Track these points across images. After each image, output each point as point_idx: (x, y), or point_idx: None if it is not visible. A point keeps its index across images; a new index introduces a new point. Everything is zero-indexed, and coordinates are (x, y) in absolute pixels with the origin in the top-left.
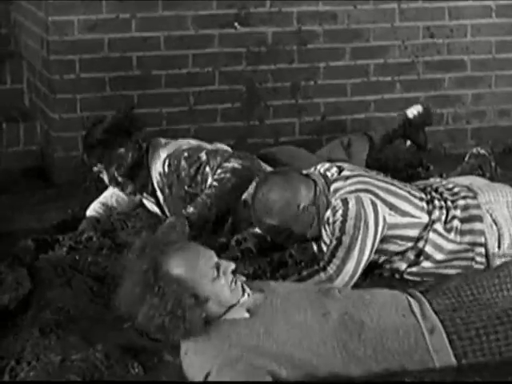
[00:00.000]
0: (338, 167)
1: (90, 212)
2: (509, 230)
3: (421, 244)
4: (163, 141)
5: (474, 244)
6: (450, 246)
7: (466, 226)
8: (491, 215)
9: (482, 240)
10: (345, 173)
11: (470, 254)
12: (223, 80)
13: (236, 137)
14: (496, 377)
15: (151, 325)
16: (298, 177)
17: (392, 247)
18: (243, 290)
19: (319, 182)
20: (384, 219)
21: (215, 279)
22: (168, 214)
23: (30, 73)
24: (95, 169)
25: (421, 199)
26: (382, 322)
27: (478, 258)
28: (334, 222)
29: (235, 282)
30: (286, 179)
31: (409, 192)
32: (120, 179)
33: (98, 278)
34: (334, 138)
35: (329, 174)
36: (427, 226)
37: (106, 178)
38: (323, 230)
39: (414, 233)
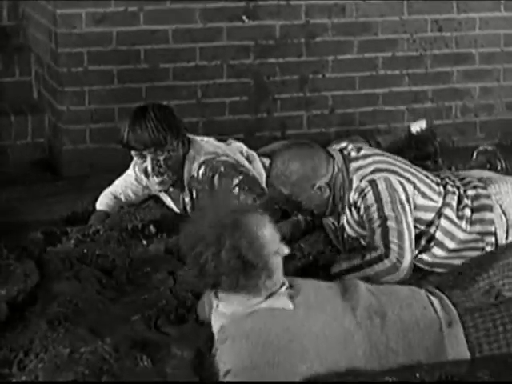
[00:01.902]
0: (355, 146)
1: (99, 205)
2: None
3: (432, 229)
4: (201, 143)
5: (485, 233)
6: (461, 235)
7: (477, 216)
8: (501, 206)
9: (492, 229)
10: (364, 152)
11: (480, 244)
12: (231, 73)
13: (244, 130)
14: (506, 371)
15: (215, 266)
16: (320, 153)
17: None
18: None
19: (338, 159)
20: (412, 197)
21: (276, 254)
22: (191, 212)
23: (39, 65)
24: (140, 153)
25: (437, 184)
26: (402, 314)
27: (488, 248)
28: (368, 208)
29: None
30: (309, 153)
31: (426, 176)
32: (163, 169)
33: (106, 270)
34: (341, 131)
35: (345, 152)
36: (439, 211)
37: (148, 164)
38: (348, 212)
39: (428, 216)
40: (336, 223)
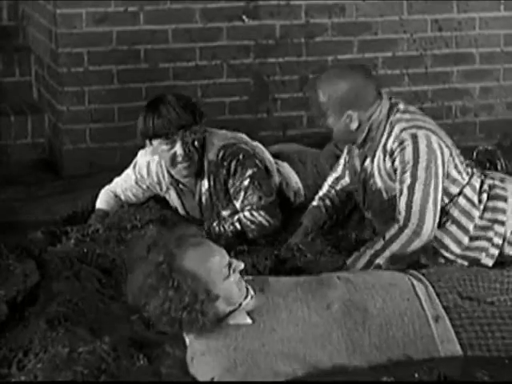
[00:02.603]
0: (404, 104)
1: (100, 204)
2: None
3: (448, 206)
4: (219, 130)
5: (495, 222)
6: (477, 219)
7: (490, 204)
8: None
9: (504, 218)
10: (412, 108)
11: (490, 234)
12: (231, 73)
13: (244, 130)
14: (503, 371)
15: (166, 317)
16: (371, 89)
17: None
18: (247, 291)
19: (384, 103)
20: (447, 163)
21: (227, 278)
22: (206, 203)
23: (38, 65)
24: (168, 138)
25: (467, 165)
26: (386, 308)
27: (496, 239)
28: (403, 162)
29: (241, 282)
30: (362, 83)
31: (459, 154)
32: (191, 153)
33: (105, 270)
34: None
35: (393, 101)
36: (462, 189)
37: (178, 148)
38: (381, 157)
39: (453, 190)
40: (359, 166)
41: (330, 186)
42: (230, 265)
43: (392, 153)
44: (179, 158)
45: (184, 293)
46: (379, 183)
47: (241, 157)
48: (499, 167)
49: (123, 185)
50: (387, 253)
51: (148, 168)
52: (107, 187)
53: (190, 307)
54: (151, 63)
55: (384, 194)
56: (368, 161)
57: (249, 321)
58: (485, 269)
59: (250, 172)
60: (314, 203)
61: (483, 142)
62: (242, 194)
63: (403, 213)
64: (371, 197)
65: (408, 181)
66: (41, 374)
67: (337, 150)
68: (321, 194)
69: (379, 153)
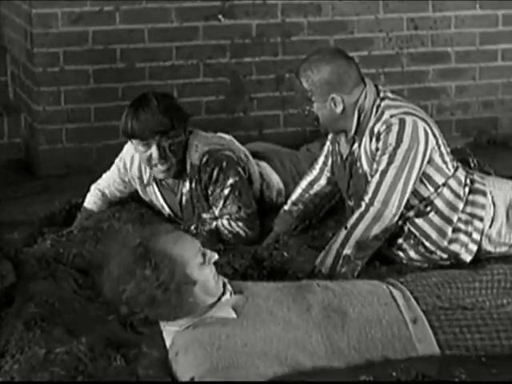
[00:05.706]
0: (392, 93)
1: (87, 203)
2: (502, 218)
3: (432, 196)
4: (204, 133)
5: (474, 216)
6: (460, 212)
7: (471, 198)
8: (492, 198)
9: (482, 214)
10: (401, 98)
11: (469, 229)
12: (207, 72)
13: (220, 129)
14: (481, 370)
15: (142, 296)
16: (355, 74)
17: (419, 188)
18: (224, 288)
19: (370, 89)
20: (430, 152)
21: (202, 264)
22: (186, 203)
23: (14, 65)
24: (144, 141)
25: (452, 159)
26: (364, 312)
27: (474, 235)
28: (386, 144)
29: (218, 276)
30: (345, 67)
31: (446, 144)
32: (168, 156)
33: (82, 270)
34: (318, 130)
35: (381, 88)
36: (447, 180)
37: (153, 151)
38: (368, 141)
39: (438, 179)
40: (345, 154)
41: (304, 190)
42: (204, 253)
43: (378, 135)
44: (155, 161)
45: (161, 271)
46: (365, 166)
47: (224, 164)
48: (472, 165)
49: (108, 180)
50: (352, 241)
51: (131, 161)
52: (95, 184)
53: (165, 285)
54: (127, 63)
55: (369, 178)
56: (356, 145)
57: (234, 315)
58: (462, 271)
59: (231, 181)
60: (286, 207)
61: (459, 140)
62: (222, 202)
63: (370, 193)
64: (356, 181)
65: (384, 162)
66: (17, 376)
67: (310, 153)
68: (293, 198)
69: (366, 136)
